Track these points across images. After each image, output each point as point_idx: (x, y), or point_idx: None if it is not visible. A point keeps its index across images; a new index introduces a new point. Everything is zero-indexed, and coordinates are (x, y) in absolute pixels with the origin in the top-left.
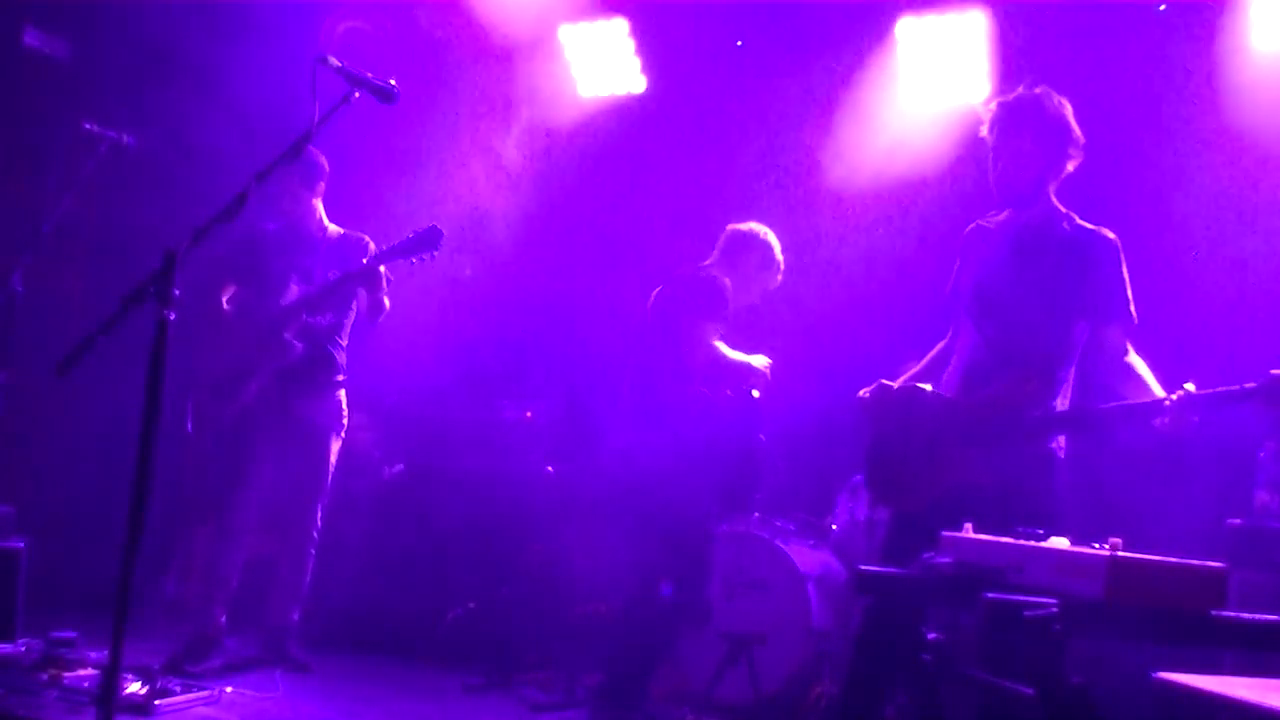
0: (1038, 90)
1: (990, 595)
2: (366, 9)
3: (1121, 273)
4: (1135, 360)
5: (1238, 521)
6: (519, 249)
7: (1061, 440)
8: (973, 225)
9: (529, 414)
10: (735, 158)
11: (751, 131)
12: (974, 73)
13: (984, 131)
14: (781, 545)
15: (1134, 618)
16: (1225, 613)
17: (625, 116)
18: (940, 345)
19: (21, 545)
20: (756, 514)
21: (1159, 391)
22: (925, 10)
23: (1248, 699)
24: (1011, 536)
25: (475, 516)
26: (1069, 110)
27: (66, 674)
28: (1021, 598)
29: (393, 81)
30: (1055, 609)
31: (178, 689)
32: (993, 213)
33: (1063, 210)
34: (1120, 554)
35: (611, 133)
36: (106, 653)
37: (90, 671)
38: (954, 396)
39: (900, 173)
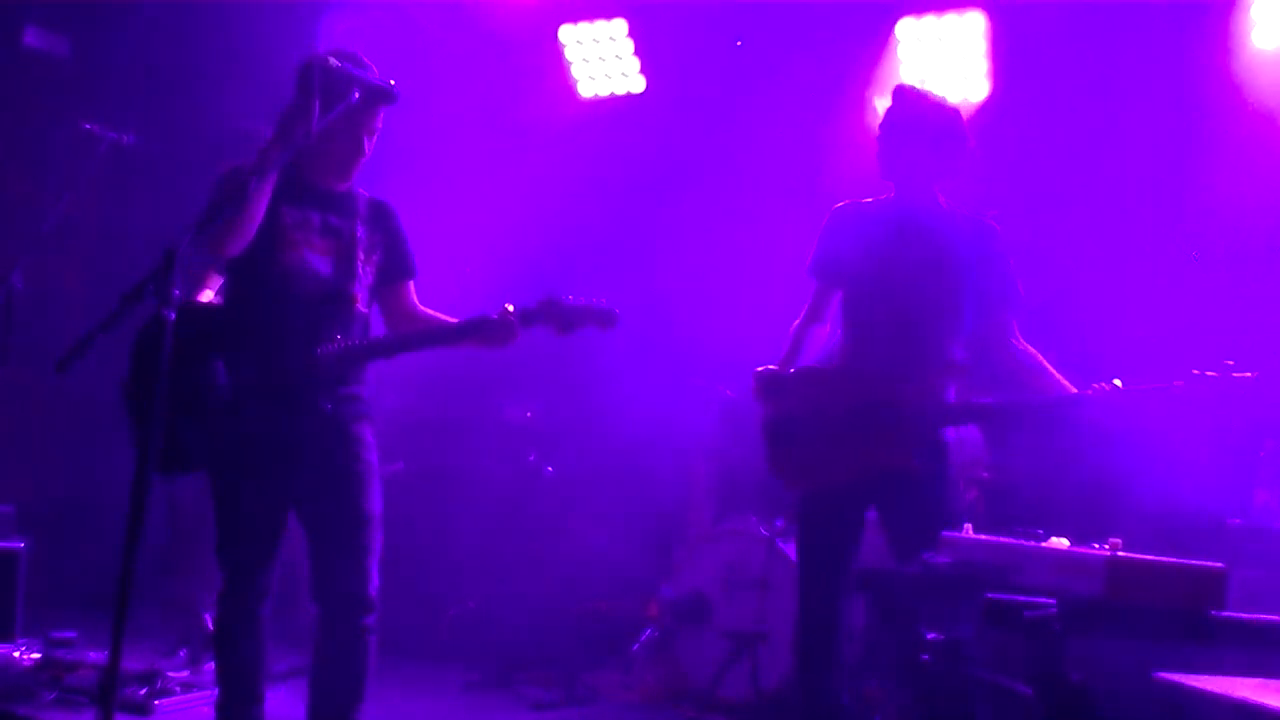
0: (932, 91)
1: (990, 595)
2: (366, 9)
3: (1010, 259)
4: (1026, 347)
5: (1238, 521)
6: (518, 249)
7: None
8: (843, 204)
9: (529, 414)
10: (735, 158)
11: (751, 132)
12: (973, 74)
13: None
14: (780, 544)
15: (1134, 617)
16: (1225, 612)
17: (625, 117)
18: (804, 324)
19: (21, 545)
20: (753, 514)
21: (1064, 382)
22: (925, 11)
23: (1248, 699)
24: (1011, 536)
25: (475, 515)
26: (960, 113)
27: (66, 674)
28: (1021, 597)
29: (392, 81)
30: (1055, 609)
31: (178, 689)
32: (867, 197)
33: (945, 198)
34: (1120, 554)
35: (611, 133)
36: (106, 653)
37: (90, 671)
38: (868, 378)
39: None
